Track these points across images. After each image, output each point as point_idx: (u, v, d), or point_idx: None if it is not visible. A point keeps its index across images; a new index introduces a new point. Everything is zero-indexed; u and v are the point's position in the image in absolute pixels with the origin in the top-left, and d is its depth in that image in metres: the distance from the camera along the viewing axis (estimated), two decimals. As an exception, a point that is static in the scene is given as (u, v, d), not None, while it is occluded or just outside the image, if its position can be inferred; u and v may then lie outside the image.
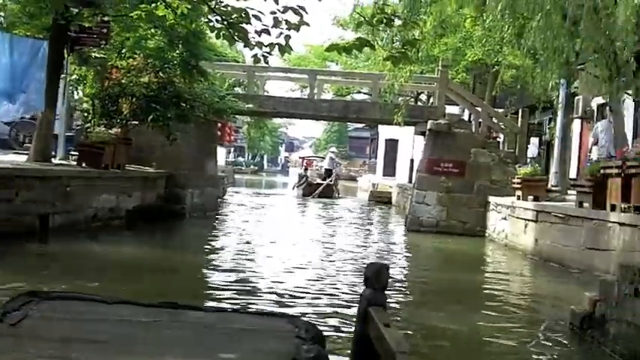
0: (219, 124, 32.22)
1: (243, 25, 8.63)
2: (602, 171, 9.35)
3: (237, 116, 21.05)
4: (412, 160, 26.59)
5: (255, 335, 2.39)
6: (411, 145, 27.23)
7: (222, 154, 40.47)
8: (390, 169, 35.91)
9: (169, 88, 13.85)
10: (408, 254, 12.73)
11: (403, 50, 7.71)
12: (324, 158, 33.19)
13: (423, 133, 16.65)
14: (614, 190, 8.84)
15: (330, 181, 28.13)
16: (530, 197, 12.98)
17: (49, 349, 2.10)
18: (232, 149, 69.81)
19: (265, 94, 17.73)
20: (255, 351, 2.23)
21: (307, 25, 8.20)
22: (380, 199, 27.07)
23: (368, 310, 2.77)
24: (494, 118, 16.93)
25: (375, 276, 2.81)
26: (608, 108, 13.02)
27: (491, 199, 15.05)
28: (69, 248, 9.59)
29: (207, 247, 11.54)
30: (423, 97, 26.27)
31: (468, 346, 5.83)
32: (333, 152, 32.21)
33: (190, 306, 2.70)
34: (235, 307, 5.82)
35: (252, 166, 73.07)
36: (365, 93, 25.06)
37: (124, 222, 12.72)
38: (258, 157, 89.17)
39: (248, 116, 25.20)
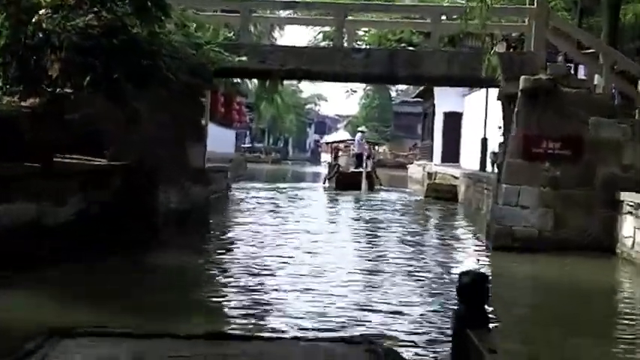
0: (222, 97, 30.42)
1: None
2: None
3: (237, 81, 18.42)
4: (485, 140, 24.54)
5: None
6: (483, 118, 25.03)
7: (230, 138, 38.82)
8: (451, 153, 34.04)
9: (119, 35, 10.92)
10: (491, 293, 9.41)
11: None
12: None
13: (510, 97, 13.74)
14: None
15: (368, 168, 28.08)
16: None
17: None
18: (247, 132, 68.50)
19: (270, 43, 14.97)
20: None
21: None
22: (440, 193, 24.94)
23: (466, 333, 2.70)
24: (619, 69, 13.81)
25: (472, 287, 2.81)
26: None
27: (625, 195, 12.10)
28: None
29: (187, 304, 8.10)
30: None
31: None
32: (361, 132, 32.33)
33: (241, 335, 3.05)
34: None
35: (273, 154, 71.21)
36: (413, 44, 21.77)
37: (49, 248, 9.56)
38: (282, 142, 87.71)
39: (247, 78, 22.37)
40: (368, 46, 19.84)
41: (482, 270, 2.21)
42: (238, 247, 12.13)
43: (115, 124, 12.10)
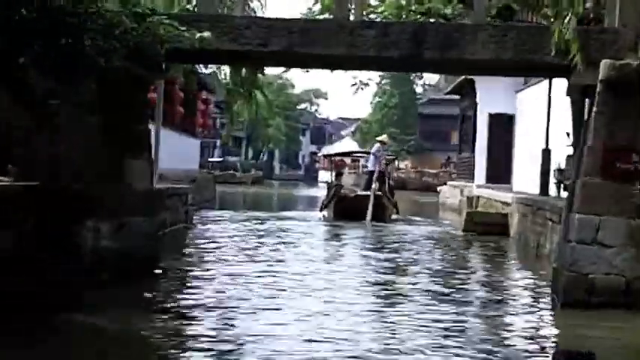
0: (181, 94, 30.05)
1: None
2: None
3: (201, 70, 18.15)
4: (548, 152, 24.42)
5: None
6: (544, 121, 24.99)
7: (193, 150, 38.67)
8: (499, 171, 34.60)
9: (26, 4, 11.16)
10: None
11: None
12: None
13: (585, 92, 13.65)
14: None
15: (379, 191, 28.21)
16: None
17: None
18: (217, 143, 68.52)
19: (245, 14, 14.78)
20: None
21: None
22: (485, 226, 25.04)
23: None
24: None
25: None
26: None
27: None
28: None
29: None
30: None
31: None
32: (380, 142, 32.83)
33: None
34: None
35: (253, 171, 71.41)
36: (448, 17, 21.42)
37: None
38: (265, 156, 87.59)
39: (211, 64, 22.20)
40: (383, 20, 19.49)
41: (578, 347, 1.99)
42: (188, 315, 11.41)
43: (24, 129, 12.16)
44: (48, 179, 12.21)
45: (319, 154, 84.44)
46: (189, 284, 13.62)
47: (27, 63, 11.00)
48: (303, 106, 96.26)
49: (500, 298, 14.12)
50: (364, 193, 28.40)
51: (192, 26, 12.99)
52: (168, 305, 11.79)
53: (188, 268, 15.22)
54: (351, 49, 13.97)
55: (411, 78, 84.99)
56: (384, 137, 35.61)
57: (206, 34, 12.66)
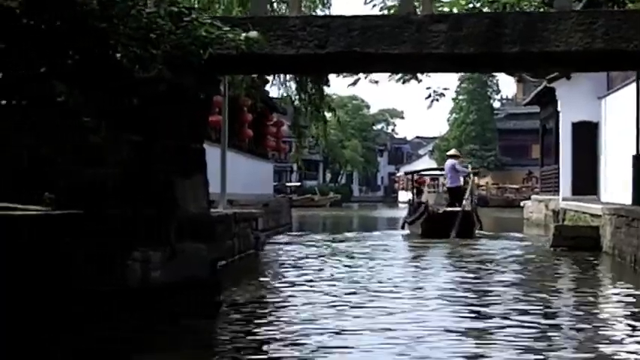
0: (250, 115, 29.09)
1: None
2: None
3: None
4: (638, 158, 23.71)
5: None
6: (633, 126, 24.28)
7: (265, 174, 37.78)
8: (586, 181, 33.88)
9: (52, 10, 10.21)
10: None
11: None
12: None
13: None
14: None
15: (465, 206, 28.00)
16: None
17: None
18: (294, 167, 67.80)
19: (299, 14, 13.50)
20: None
21: None
22: (575, 240, 23.89)
23: None
24: None
25: None
26: None
27: None
28: None
29: None
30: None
31: None
32: (451, 157, 32.06)
33: None
34: None
35: (331, 194, 70.70)
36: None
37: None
38: (343, 179, 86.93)
39: (261, 73, 21.03)
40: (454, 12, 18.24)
41: None
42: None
43: (57, 150, 11.06)
44: (89, 204, 11.05)
45: (398, 174, 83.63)
46: (254, 319, 12.17)
47: (54, 75, 10.09)
48: (379, 126, 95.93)
49: (604, 321, 12.57)
50: (452, 209, 28.23)
51: (241, 28, 11.56)
52: (231, 345, 10.39)
53: (253, 300, 13.81)
54: (418, 46, 12.53)
55: (488, 93, 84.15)
56: (453, 151, 35.43)
57: (252, 33, 11.22)
